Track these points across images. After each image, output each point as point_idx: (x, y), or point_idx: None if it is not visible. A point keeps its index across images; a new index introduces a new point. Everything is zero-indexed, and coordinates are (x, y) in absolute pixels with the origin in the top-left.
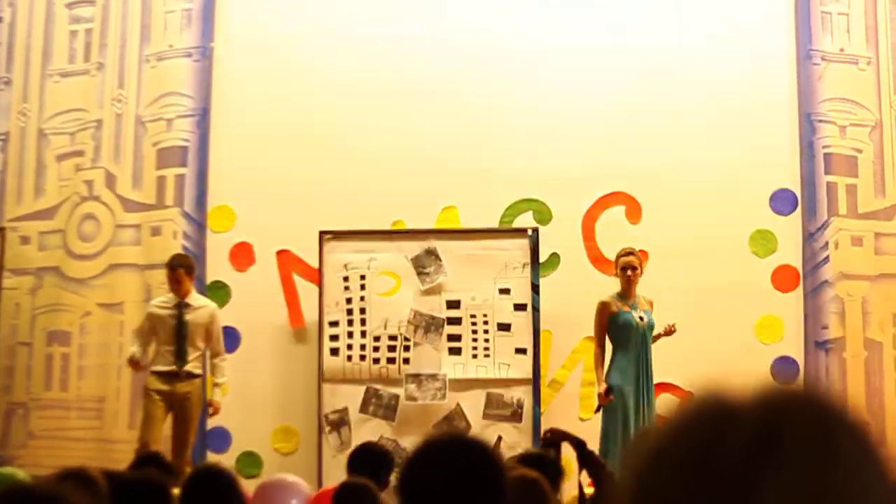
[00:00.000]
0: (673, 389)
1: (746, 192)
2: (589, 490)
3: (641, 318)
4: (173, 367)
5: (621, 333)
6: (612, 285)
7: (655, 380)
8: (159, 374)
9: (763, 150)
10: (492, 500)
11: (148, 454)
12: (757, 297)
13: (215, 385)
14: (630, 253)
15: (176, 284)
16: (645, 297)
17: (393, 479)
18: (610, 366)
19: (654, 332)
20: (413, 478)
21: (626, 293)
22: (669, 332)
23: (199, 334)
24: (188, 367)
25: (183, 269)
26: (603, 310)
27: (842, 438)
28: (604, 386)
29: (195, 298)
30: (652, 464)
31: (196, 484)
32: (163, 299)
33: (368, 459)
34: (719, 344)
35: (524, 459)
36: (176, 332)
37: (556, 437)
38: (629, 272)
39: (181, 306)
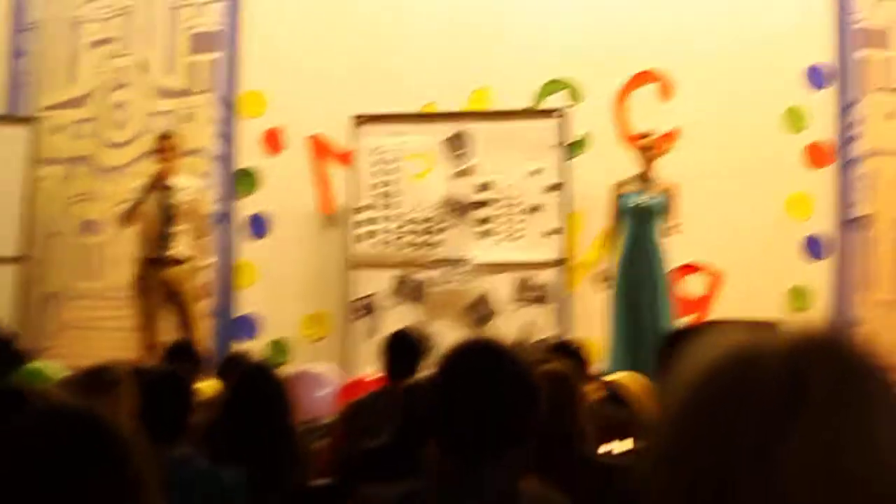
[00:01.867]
0: (704, 269)
1: (779, 68)
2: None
3: (643, 201)
4: (158, 254)
5: (621, 216)
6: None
7: (688, 259)
8: (149, 262)
9: (795, 25)
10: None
11: (178, 344)
12: (789, 174)
13: (203, 268)
14: (646, 135)
15: (170, 153)
16: (666, 181)
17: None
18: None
19: None
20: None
21: (642, 175)
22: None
23: (183, 216)
24: (173, 252)
25: (171, 142)
26: (614, 189)
27: (866, 387)
28: (604, 266)
29: (180, 180)
30: (682, 414)
31: (245, 386)
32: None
33: (401, 347)
34: (751, 221)
35: (552, 349)
36: (160, 216)
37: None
38: (646, 153)
39: (165, 188)
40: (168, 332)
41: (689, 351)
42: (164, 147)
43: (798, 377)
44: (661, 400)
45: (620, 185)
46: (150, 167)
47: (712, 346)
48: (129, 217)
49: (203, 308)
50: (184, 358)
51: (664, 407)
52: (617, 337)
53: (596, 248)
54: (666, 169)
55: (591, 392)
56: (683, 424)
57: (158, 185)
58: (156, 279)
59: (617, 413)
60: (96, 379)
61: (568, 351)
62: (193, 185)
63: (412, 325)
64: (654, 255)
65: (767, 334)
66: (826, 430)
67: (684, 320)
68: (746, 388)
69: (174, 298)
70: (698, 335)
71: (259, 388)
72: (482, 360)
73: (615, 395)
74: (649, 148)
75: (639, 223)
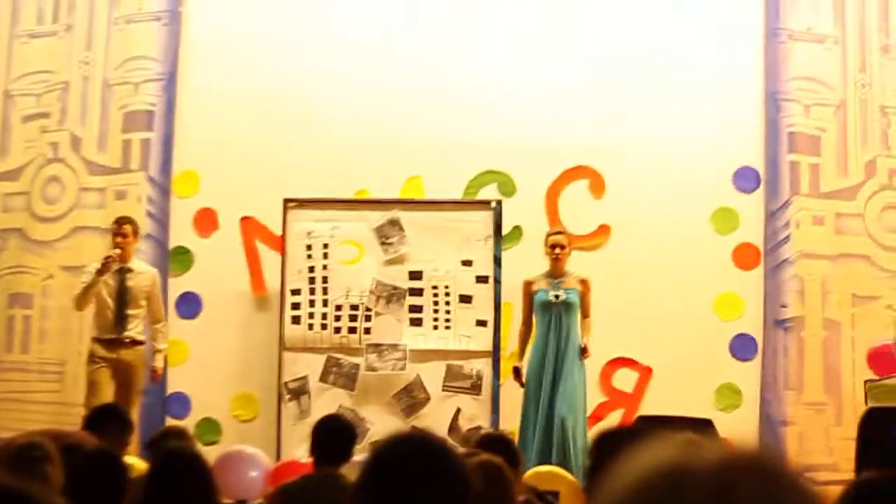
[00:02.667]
0: (633, 364)
1: (710, 169)
2: None
3: (557, 297)
4: (115, 335)
5: (537, 311)
6: (574, 258)
7: (616, 354)
8: (102, 342)
9: (728, 128)
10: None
11: (104, 406)
12: (718, 274)
13: (156, 352)
14: (559, 232)
15: (122, 239)
16: (579, 276)
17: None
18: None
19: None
20: (374, 480)
21: (552, 271)
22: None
23: (140, 300)
24: (130, 334)
25: (130, 227)
26: (525, 287)
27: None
28: (516, 365)
29: (137, 264)
30: None
31: (165, 467)
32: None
33: (332, 432)
34: (680, 320)
35: (487, 441)
36: (117, 298)
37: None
38: (557, 250)
39: (123, 271)
40: None
41: (620, 458)
42: (122, 231)
43: (725, 490)
44: None
45: (531, 280)
46: (80, 242)
47: (642, 457)
48: (84, 298)
49: (137, 388)
50: (111, 420)
51: None
52: (527, 430)
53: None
54: (595, 265)
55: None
56: None
57: (110, 267)
58: (107, 358)
59: None
60: (24, 454)
61: (500, 442)
62: (151, 271)
63: (341, 411)
64: (567, 349)
65: (696, 448)
66: None
67: (613, 415)
68: (674, 499)
69: (120, 377)
70: (628, 438)
71: (182, 469)
72: (413, 452)
73: (540, 493)
74: (560, 245)
75: (552, 317)
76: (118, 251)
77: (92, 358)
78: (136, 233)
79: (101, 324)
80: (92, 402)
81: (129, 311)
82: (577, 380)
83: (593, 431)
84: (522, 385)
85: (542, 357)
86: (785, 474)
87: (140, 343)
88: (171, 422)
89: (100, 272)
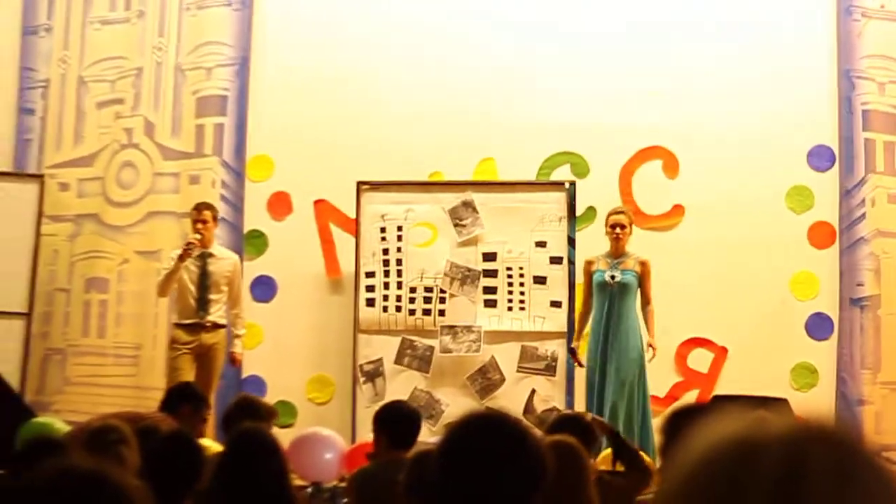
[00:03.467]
0: (708, 344)
1: (784, 148)
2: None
3: (613, 277)
4: (197, 319)
5: (594, 291)
6: (648, 239)
7: (691, 334)
8: (184, 327)
9: (801, 106)
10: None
11: (179, 386)
12: (793, 253)
13: (236, 336)
14: (620, 212)
15: (202, 225)
16: (639, 256)
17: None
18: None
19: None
20: (451, 460)
21: (612, 251)
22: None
23: (221, 285)
24: (212, 318)
25: (210, 212)
26: (585, 267)
27: (864, 481)
28: (572, 346)
29: (218, 249)
30: (681, 497)
31: (238, 447)
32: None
33: (394, 418)
34: (755, 300)
35: (561, 422)
36: (199, 283)
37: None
38: (617, 230)
39: (204, 256)
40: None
41: (691, 432)
42: (202, 217)
43: (797, 463)
44: (662, 481)
45: (592, 260)
46: (154, 227)
47: (713, 429)
48: (167, 284)
49: (217, 371)
50: (186, 400)
51: (664, 488)
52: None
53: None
54: (669, 245)
55: (599, 464)
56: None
57: (191, 253)
58: (190, 343)
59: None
60: (100, 437)
61: (574, 423)
62: (233, 256)
63: (416, 393)
64: (624, 331)
65: (766, 420)
66: None
67: (688, 395)
68: (746, 473)
69: (201, 360)
70: (700, 415)
71: (254, 450)
72: (488, 433)
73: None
74: (621, 224)
75: (611, 298)
76: (198, 237)
77: (173, 344)
78: (215, 218)
79: (183, 308)
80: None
81: (211, 296)
82: (630, 366)
83: (668, 410)
84: (581, 365)
85: (597, 339)
86: (857, 445)
87: (222, 326)
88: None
89: (181, 258)
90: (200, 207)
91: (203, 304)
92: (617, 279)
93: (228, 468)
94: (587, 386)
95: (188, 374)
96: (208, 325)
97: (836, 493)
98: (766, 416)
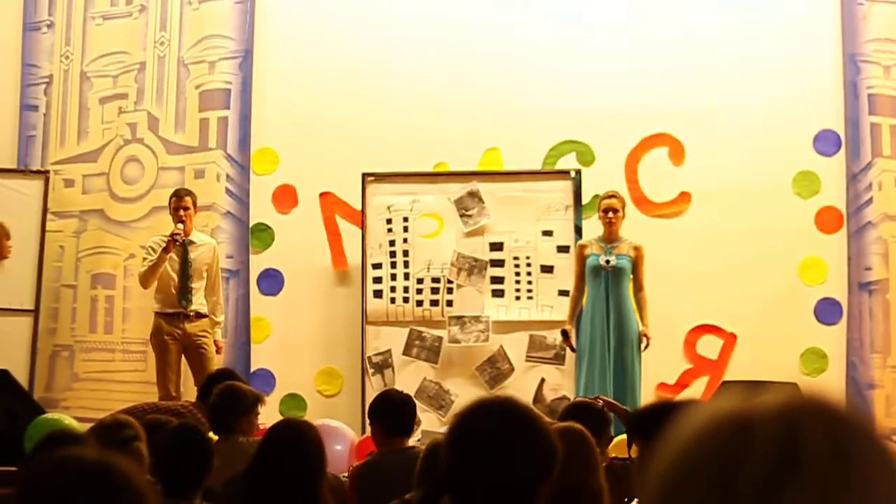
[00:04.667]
0: (717, 331)
1: (790, 133)
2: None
3: (607, 262)
4: (180, 309)
5: (588, 275)
6: (654, 226)
7: (700, 321)
8: (166, 316)
9: (807, 91)
10: (540, 469)
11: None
12: (800, 239)
13: (216, 324)
14: (612, 195)
15: (185, 212)
16: (633, 241)
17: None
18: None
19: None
20: (460, 447)
21: (606, 236)
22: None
23: (203, 272)
24: (195, 307)
25: (191, 199)
26: (578, 251)
27: (861, 457)
28: (564, 328)
29: (198, 235)
30: (672, 481)
31: (275, 436)
32: (165, 236)
33: (385, 406)
34: (763, 285)
35: (571, 410)
36: (181, 271)
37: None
38: (610, 214)
39: (185, 244)
40: (185, 384)
41: (686, 412)
42: (183, 204)
43: (792, 434)
44: (656, 459)
45: (585, 244)
46: (160, 222)
47: (707, 407)
48: (152, 275)
49: (218, 362)
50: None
51: (658, 466)
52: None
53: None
54: (676, 232)
55: (612, 451)
56: (678, 483)
57: (176, 243)
58: (173, 334)
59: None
60: (113, 433)
61: (586, 410)
62: (212, 242)
63: (426, 384)
64: (620, 315)
65: (760, 395)
66: (822, 487)
67: (698, 382)
68: (740, 448)
69: (191, 352)
70: (680, 409)
71: (294, 443)
72: (496, 418)
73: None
74: (613, 209)
75: (606, 282)
76: (181, 226)
77: (156, 334)
78: (195, 204)
79: (165, 298)
80: (165, 382)
81: (194, 285)
82: (630, 349)
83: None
84: (572, 349)
85: (591, 323)
86: (854, 421)
87: (204, 316)
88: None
89: (165, 250)
90: (181, 194)
91: (185, 292)
92: (611, 263)
93: (267, 457)
94: (583, 370)
95: (176, 363)
96: (191, 314)
97: (833, 468)
98: (762, 393)
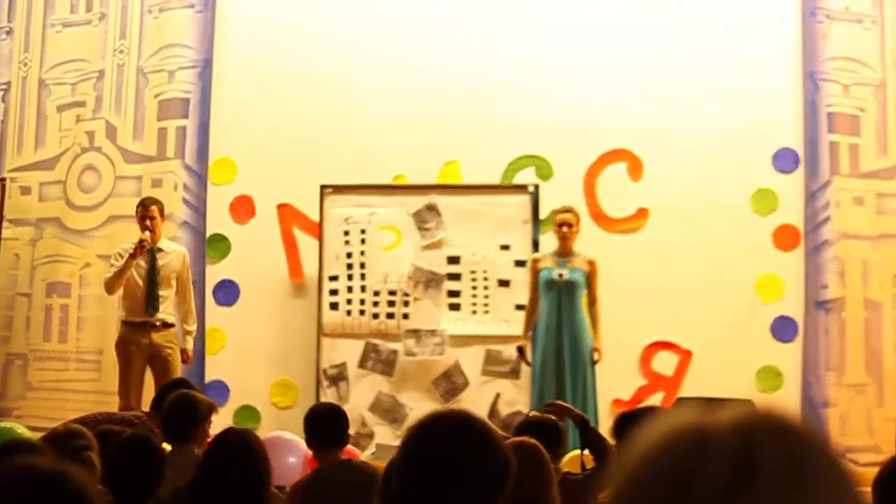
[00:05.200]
0: (673, 347)
1: (749, 151)
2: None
3: (560, 276)
4: (146, 318)
5: (541, 289)
6: (612, 242)
7: (656, 337)
8: (132, 325)
9: (766, 109)
10: (494, 484)
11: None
12: (758, 256)
13: (187, 333)
14: (567, 210)
15: (150, 222)
16: (586, 256)
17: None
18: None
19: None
20: (412, 460)
21: (560, 250)
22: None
23: (171, 280)
24: (162, 316)
25: (157, 207)
26: (532, 265)
27: (816, 473)
28: (520, 344)
29: (166, 243)
30: (633, 486)
31: (220, 445)
32: (133, 243)
33: (313, 418)
34: (720, 302)
35: (526, 426)
36: (148, 278)
37: (557, 412)
38: (564, 229)
39: (153, 251)
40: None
41: (643, 428)
42: (149, 214)
43: (748, 449)
44: (614, 476)
45: (538, 258)
46: (117, 231)
47: (665, 421)
48: (117, 282)
49: (185, 372)
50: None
51: (615, 483)
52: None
53: None
54: (634, 248)
55: (566, 465)
56: (635, 495)
57: (143, 250)
58: (139, 343)
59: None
60: (65, 442)
61: (541, 425)
62: (181, 250)
63: (380, 397)
64: (573, 329)
65: (717, 410)
66: (776, 502)
67: (653, 398)
68: (696, 462)
69: (156, 362)
70: (651, 416)
71: (240, 452)
72: (452, 431)
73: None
74: (568, 223)
75: (559, 296)
76: (149, 233)
77: (122, 343)
78: (162, 212)
79: (131, 306)
80: (126, 391)
81: (161, 293)
82: (584, 363)
83: (618, 413)
84: (527, 363)
85: (546, 336)
86: (809, 436)
87: (171, 325)
88: None
89: (132, 256)
90: (147, 203)
91: (152, 300)
92: (565, 277)
93: (210, 469)
94: (537, 384)
95: (140, 377)
96: (157, 323)
97: (788, 484)
98: (718, 408)
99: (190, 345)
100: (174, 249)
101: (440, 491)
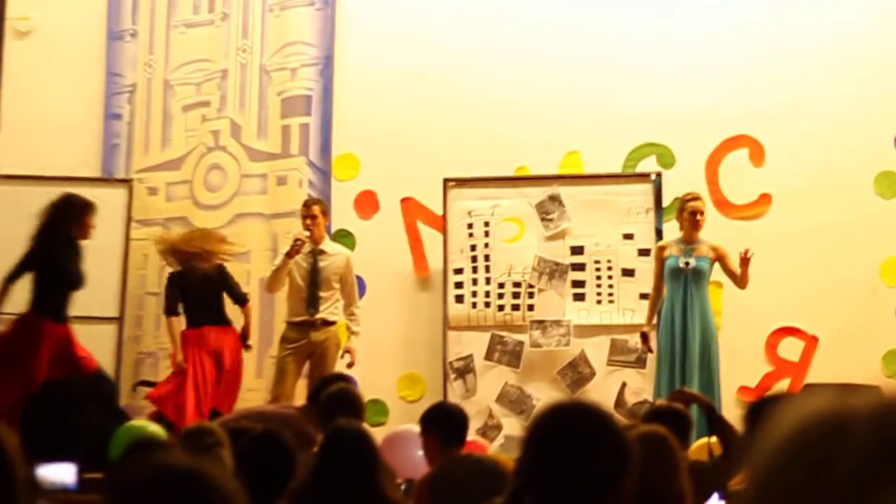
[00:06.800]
0: (798, 333)
1: (871, 133)
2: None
3: (686, 264)
4: (307, 317)
5: (667, 277)
6: (735, 228)
7: (781, 323)
8: (294, 325)
9: (887, 90)
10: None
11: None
12: (882, 239)
13: (352, 334)
14: (697, 198)
15: (311, 221)
16: (711, 243)
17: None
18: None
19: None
20: (535, 450)
21: (686, 237)
22: (745, 259)
23: (332, 282)
24: (322, 315)
25: (318, 207)
26: (658, 252)
27: None
28: (643, 330)
29: (329, 245)
30: (766, 481)
31: (333, 445)
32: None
33: (440, 417)
34: (844, 287)
35: (653, 414)
36: (310, 280)
37: (683, 400)
38: (698, 216)
39: (315, 253)
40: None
41: (778, 413)
42: (310, 213)
43: (887, 437)
44: (750, 461)
45: (665, 245)
46: (242, 229)
47: (800, 409)
48: (274, 281)
49: (331, 368)
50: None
51: (753, 467)
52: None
53: None
54: (757, 234)
55: (694, 453)
56: (775, 476)
57: (299, 249)
58: (298, 342)
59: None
60: (196, 439)
61: (668, 414)
62: (345, 253)
63: (507, 388)
64: (699, 316)
65: (853, 394)
66: None
67: (780, 385)
68: (834, 448)
69: (315, 360)
70: (785, 402)
71: (350, 450)
72: (573, 422)
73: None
74: (701, 211)
75: (685, 284)
76: (307, 233)
77: (283, 342)
78: (324, 213)
79: (293, 306)
80: (276, 389)
81: (322, 294)
82: (711, 350)
83: (752, 400)
84: (650, 350)
85: (671, 325)
86: None
87: (332, 324)
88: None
89: (289, 255)
90: (309, 203)
91: (313, 301)
92: (691, 265)
93: (324, 464)
94: (666, 372)
95: (293, 377)
96: (318, 322)
97: None
98: (851, 393)
99: (355, 345)
100: (337, 252)
101: (561, 478)
